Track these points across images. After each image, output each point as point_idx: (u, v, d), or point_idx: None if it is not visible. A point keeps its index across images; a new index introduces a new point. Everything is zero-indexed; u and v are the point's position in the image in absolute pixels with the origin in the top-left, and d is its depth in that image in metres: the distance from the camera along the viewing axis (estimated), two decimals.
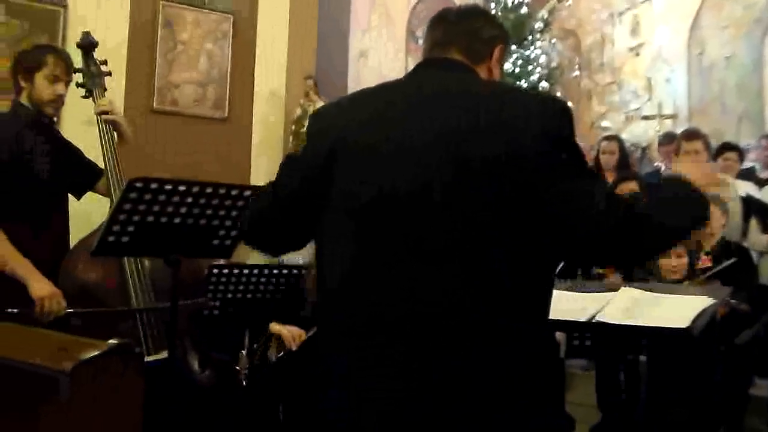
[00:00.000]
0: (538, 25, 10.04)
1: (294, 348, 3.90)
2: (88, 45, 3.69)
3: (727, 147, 6.73)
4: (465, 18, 1.96)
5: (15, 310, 2.98)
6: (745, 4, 10.22)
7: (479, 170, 1.64)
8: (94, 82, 3.65)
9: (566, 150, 1.70)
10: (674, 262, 4.23)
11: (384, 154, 1.73)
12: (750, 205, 5.61)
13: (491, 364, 1.63)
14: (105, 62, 3.71)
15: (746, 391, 4.76)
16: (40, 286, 3.13)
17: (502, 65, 1.99)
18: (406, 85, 1.87)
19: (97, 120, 3.55)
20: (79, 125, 4.46)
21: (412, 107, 1.76)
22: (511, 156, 1.64)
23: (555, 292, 2.41)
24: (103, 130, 3.53)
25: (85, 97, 3.66)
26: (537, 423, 1.68)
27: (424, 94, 1.78)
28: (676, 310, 2.98)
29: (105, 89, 3.66)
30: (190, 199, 2.74)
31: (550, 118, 1.70)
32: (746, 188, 5.94)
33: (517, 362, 1.66)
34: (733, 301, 3.78)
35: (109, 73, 3.72)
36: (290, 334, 3.94)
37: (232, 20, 6.90)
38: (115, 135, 3.56)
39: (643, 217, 1.67)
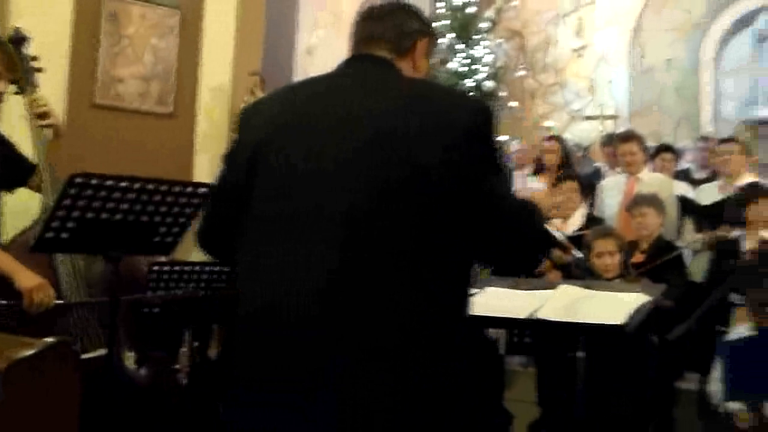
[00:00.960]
0: (485, 24, 10.12)
1: None
2: (19, 40, 3.57)
3: (663, 148, 6.89)
4: (388, 13, 1.98)
5: (3, 302, 2.92)
6: (685, 8, 10.46)
7: (403, 173, 1.66)
8: (26, 78, 3.53)
9: (486, 150, 1.74)
10: (608, 260, 4.31)
11: (304, 158, 1.73)
12: (685, 205, 5.75)
13: (419, 365, 1.63)
14: (36, 58, 3.60)
15: (675, 385, 4.90)
16: (26, 277, 3.03)
17: (428, 58, 2.01)
18: (331, 85, 1.88)
19: (30, 116, 3.45)
20: (12, 120, 4.34)
21: (335, 109, 1.77)
22: (435, 158, 1.66)
23: (495, 290, 2.45)
24: (35, 126, 3.43)
25: (17, 93, 3.55)
26: (468, 421, 1.70)
27: (348, 95, 1.79)
28: (612, 307, 3.05)
29: (36, 86, 3.56)
30: (131, 196, 2.71)
31: (472, 118, 1.73)
32: (682, 189, 6.07)
33: (443, 358, 1.67)
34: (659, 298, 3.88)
35: (40, 69, 3.61)
36: None
37: (179, 15, 6.83)
38: (50, 131, 3.47)
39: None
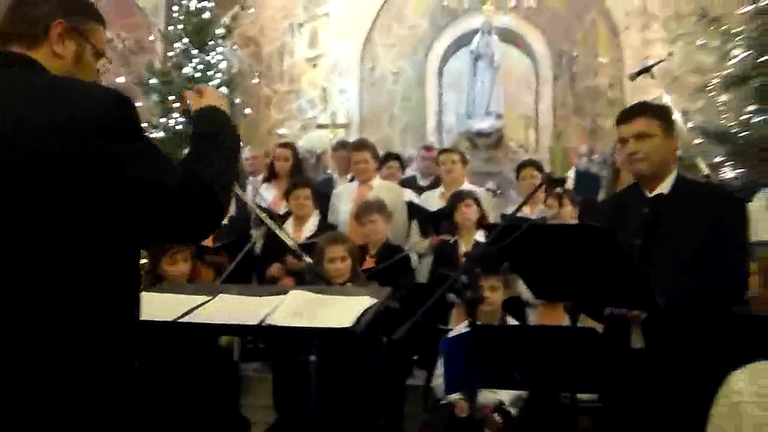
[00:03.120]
0: (220, 30, 10.03)
1: None
2: None
3: (390, 156, 7.18)
4: (19, 3, 1.85)
5: None
6: (411, 25, 11.05)
7: (31, 173, 1.63)
8: None
9: (124, 139, 1.71)
10: (339, 265, 4.42)
11: None
12: (412, 210, 6.02)
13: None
14: None
15: (405, 382, 5.15)
16: None
17: (75, 39, 1.87)
18: None
19: None
20: None
21: None
22: (66, 155, 1.64)
23: (227, 297, 2.42)
24: None
25: None
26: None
27: None
28: (342, 310, 3.13)
29: None
30: None
31: (103, 111, 1.69)
32: (409, 195, 6.35)
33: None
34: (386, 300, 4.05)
35: None
36: None
37: None
38: None
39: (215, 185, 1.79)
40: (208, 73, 9.38)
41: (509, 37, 10.89)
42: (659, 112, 3.10)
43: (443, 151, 6.80)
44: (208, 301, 2.85)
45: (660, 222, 2.98)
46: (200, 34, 9.59)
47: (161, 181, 1.72)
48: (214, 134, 1.96)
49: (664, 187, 3.05)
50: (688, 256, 2.87)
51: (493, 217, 5.66)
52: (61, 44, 1.83)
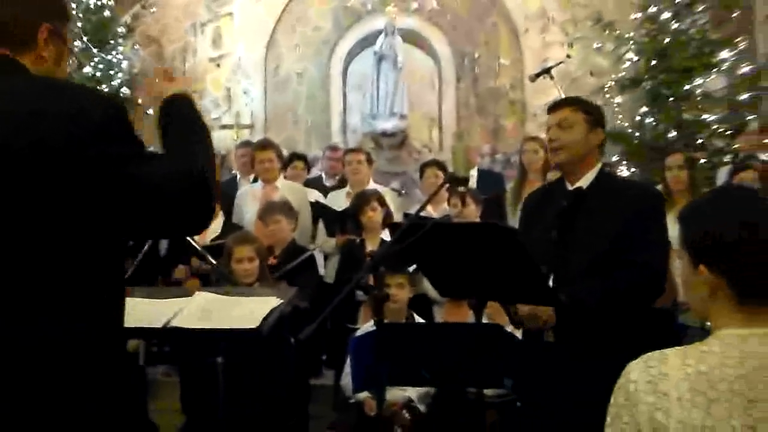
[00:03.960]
0: (121, 30, 9.80)
1: None
2: None
3: (295, 157, 7.16)
4: (3, 5, 1.82)
5: None
6: (315, 26, 11.03)
7: (28, 174, 1.61)
8: None
9: (116, 140, 1.69)
10: (247, 266, 4.39)
11: None
12: (318, 210, 6.02)
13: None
14: None
15: (312, 382, 5.15)
16: None
17: (57, 44, 1.87)
18: None
19: None
20: None
21: None
22: (65, 156, 1.62)
23: (131, 300, 2.39)
24: None
25: None
26: None
27: None
28: (248, 311, 3.12)
29: None
30: None
31: (97, 116, 1.68)
32: (315, 195, 6.35)
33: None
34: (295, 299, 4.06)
35: None
36: None
37: None
38: None
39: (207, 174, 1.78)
40: (110, 72, 9.16)
41: (412, 38, 10.99)
42: (587, 106, 3.17)
43: (349, 151, 6.84)
44: None
45: (576, 215, 3.04)
46: (100, 32, 9.35)
47: (161, 178, 1.71)
48: (193, 120, 1.98)
49: (585, 181, 3.10)
50: (602, 249, 2.93)
51: (398, 218, 5.71)
52: (47, 48, 1.83)
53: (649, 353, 1.54)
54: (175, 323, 2.82)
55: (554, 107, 3.19)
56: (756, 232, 1.50)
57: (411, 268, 4.59)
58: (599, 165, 3.17)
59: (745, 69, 8.55)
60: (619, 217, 2.95)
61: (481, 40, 10.89)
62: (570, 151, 3.08)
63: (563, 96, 5.77)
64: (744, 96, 8.35)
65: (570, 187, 3.13)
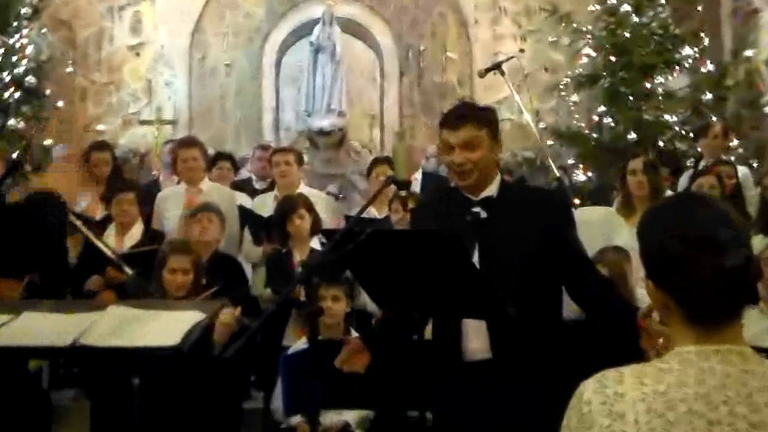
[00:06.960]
0: (26, 11, 9.59)
1: None
2: None
3: (221, 156, 7.10)
4: None
5: None
6: (246, 12, 10.97)
7: None
8: None
9: None
10: (180, 278, 4.31)
11: None
12: (245, 216, 5.96)
13: None
14: None
15: (241, 405, 5.10)
16: None
17: None
18: None
19: None
20: None
21: None
22: None
23: (33, 315, 2.34)
24: None
25: None
26: None
27: None
28: (168, 327, 3.08)
29: None
30: None
31: None
32: (242, 199, 6.29)
33: None
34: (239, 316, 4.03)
35: None
36: None
37: None
38: None
39: None
40: (13, 58, 8.95)
41: (353, 28, 11.01)
42: (486, 118, 3.10)
43: (276, 151, 6.76)
44: (11, 320, 2.73)
45: (494, 225, 3.04)
46: (1, 14, 9.13)
47: None
48: None
49: (492, 190, 3.09)
50: (519, 261, 2.95)
51: (337, 224, 5.70)
52: None
53: (604, 371, 1.56)
54: (84, 341, 2.76)
55: (454, 124, 3.06)
56: (700, 248, 1.49)
57: (348, 279, 4.57)
58: (499, 173, 3.18)
59: (710, 67, 8.76)
60: (533, 230, 2.97)
61: (427, 32, 10.96)
62: (480, 170, 3.04)
63: (515, 94, 5.86)
64: (708, 96, 8.56)
65: (475, 198, 3.08)
